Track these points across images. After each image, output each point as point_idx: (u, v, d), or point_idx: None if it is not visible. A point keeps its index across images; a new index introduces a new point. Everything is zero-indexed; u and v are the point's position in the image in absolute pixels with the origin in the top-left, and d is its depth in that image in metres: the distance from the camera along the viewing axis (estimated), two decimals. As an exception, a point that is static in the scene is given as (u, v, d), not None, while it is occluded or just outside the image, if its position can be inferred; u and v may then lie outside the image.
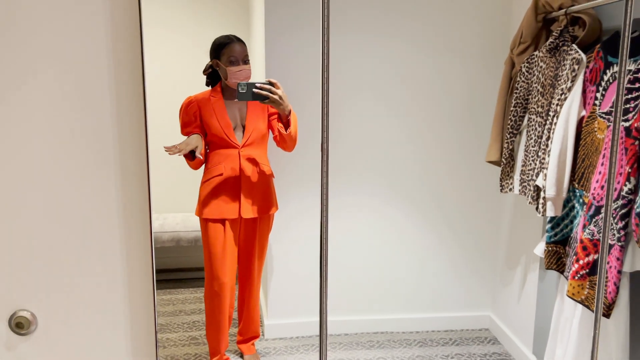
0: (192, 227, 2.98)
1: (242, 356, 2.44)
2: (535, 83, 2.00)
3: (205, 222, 2.17)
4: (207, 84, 2.24)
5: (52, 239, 1.01)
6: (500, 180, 2.19)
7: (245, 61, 2.10)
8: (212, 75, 2.23)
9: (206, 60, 2.24)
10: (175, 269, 3.16)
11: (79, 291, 1.04)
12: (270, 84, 1.96)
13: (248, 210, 2.17)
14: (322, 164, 1.01)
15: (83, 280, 1.04)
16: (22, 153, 0.97)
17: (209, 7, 2.87)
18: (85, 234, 1.02)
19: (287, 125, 2.06)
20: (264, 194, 2.21)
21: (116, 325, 1.07)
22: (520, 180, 2.06)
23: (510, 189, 2.18)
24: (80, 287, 1.04)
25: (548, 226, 1.88)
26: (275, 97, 1.95)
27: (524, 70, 2.05)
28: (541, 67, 1.97)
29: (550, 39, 1.91)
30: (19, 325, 1.01)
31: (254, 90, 1.93)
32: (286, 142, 2.10)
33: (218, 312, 2.23)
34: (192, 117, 2.14)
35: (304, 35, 2.44)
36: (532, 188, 1.92)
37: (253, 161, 2.17)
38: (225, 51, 2.08)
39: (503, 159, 2.17)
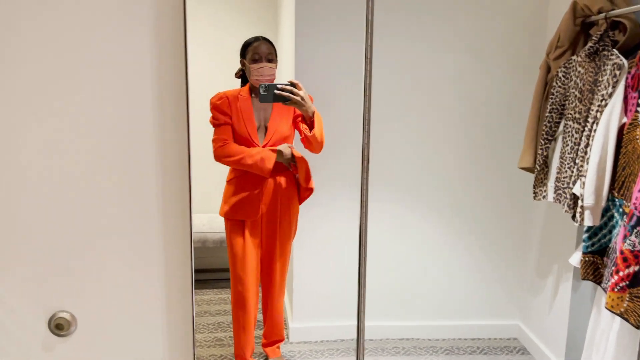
0: (217, 228, 2.98)
1: (267, 359, 2.44)
2: (572, 88, 1.95)
3: (227, 222, 2.18)
4: (242, 86, 2.24)
5: (92, 241, 1.01)
6: (534, 187, 2.14)
7: (269, 60, 2.09)
8: (244, 77, 2.23)
9: (232, 60, 2.26)
10: (201, 270, 3.17)
11: (118, 292, 1.04)
12: (292, 85, 1.95)
13: (269, 211, 2.17)
14: (363, 170, 0.99)
15: (121, 281, 1.04)
16: (65, 157, 0.98)
17: (235, 7, 2.88)
18: (125, 236, 1.02)
19: (311, 126, 2.04)
20: (286, 195, 2.20)
21: (154, 325, 1.06)
22: (555, 188, 2.01)
23: (544, 197, 2.13)
24: (118, 289, 1.04)
25: (585, 236, 1.83)
26: (297, 98, 1.94)
27: (560, 75, 2.01)
28: (579, 72, 1.92)
29: (590, 44, 1.87)
30: (59, 327, 1.01)
31: (276, 91, 1.92)
32: (311, 144, 2.08)
33: (242, 313, 2.23)
34: (226, 109, 2.12)
35: (333, 36, 2.42)
36: (568, 196, 1.87)
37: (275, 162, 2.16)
38: (250, 49, 2.09)
39: (537, 166, 2.13)
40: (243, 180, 2.15)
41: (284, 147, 2.14)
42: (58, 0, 0.93)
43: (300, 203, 2.28)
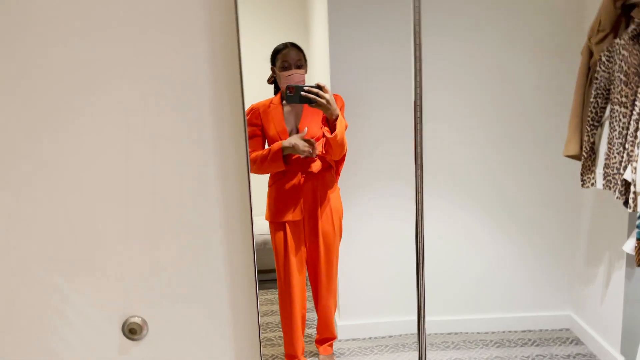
0: (260, 231, 3.03)
1: (318, 356, 2.47)
2: (617, 72, 1.91)
3: (271, 224, 2.23)
4: (275, 93, 2.28)
5: (160, 250, 1.06)
6: (581, 174, 2.11)
7: (298, 66, 2.12)
8: (276, 83, 2.27)
9: (262, 68, 2.31)
10: (246, 272, 3.22)
11: (186, 297, 1.08)
12: (319, 87, 1.97)
13: (309, 211, 2.21)
14: (416, 167, 1.01)
15: (189, 286, 1.08)
16: (134, 168, 1.03)
17: (264, 14, 2.91)
18: (190, 243, 1.07)
19: (333, 129, 2.06)
20: (324, 194, 2.23)
21: (220, 327, 1.10)
22: (604, 174, 1.97)
23: (593, 184, 2.09)
24: (186, 293, 1.08)
25: (639, 222, 1.79)
26: (323, 100, 1.97)
27: (604, 59, 1.97)
28: (623, 55, 1.88)
29: (632, 26, 1.83)
30: (132, 331, 1.06)
31: (302, 93, 1.96)
32: (331, 147, 2.09)
33: (289, 314, 2.27)
34: (256, 121, 2.19)
35: (368, 36, 2.43)
36: (619, 182, 1.84)
37: (313, 162, 2.19)
38: (279, 57, 2.13)
39: (583, 153, 2.09)
40: (281, 184, 2.20)
41: (293, 139, 2.12)
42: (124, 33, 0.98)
43: (338, 175, 2.31)
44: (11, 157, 0.99)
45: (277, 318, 2.77)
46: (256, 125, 2.19)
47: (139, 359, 1.09)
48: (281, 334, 2.61)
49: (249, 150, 2.15)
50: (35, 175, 1.00)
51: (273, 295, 3.04)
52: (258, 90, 2.39)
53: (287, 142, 2.12)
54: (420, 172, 0.98)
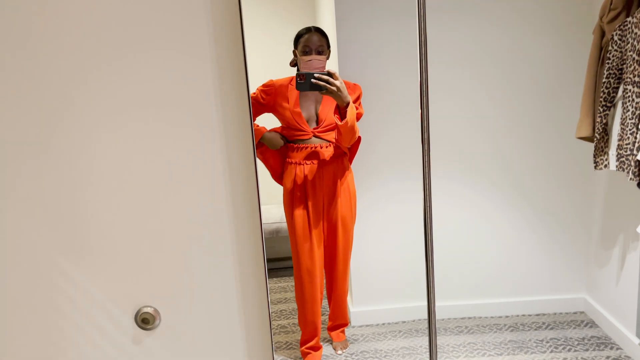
0: (272, 219, 3.05)
1: (331, 343, 2.49)
2: (630, 51, 1.88)
3: (288, 209, 2.23)
4: None
5: (172, 241, 1.07)
6: (594, 156, 2.08)
7: (320, 52, 2.10)
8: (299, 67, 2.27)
9: (277, 52, 2.30)
10: (259, 260, 3.24)
11: (197, 287, 1.09)
12: (329, 74, 1.96)
13: (325, 197, 2.22)
14: (423, 150, 1.00)
15: (200, 276, 1.09)
16: (144, 160, 1.03)
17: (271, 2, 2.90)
18: (200, 234, 1.07)
19: (344, 116, 2.06)
20: (340, 181, 2.24)
21: (231, 316, 1.12)
22: (617, 156, 1.94)
23: (606, 166, 2.06)
24: (197, 283, 1.09)
25: (653, 203, 1.77)
26: (333, 88, 1.97)
27: (616, 38, 1.93)
28: (636, 33, 1.84)
29: (646, 3, 1.78)
30: (145, 321, 1.08)
31: (312, 80, 1.95)
32: (341, 134, 2.09)
33: (308, 296, 2.28)
34: (269, 94, 2.21)
35: (375, 19, 2.41)
36: (632, 163, 1.81)
37: (327, 148, 2.19)
38: (302, 41, 2.12)
39: (596, 134, 2.06)
40: (292, 172, 2.20)
41: (273, 135, 2.22)
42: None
43: (351, 161, 2.34)
44: (20, 147, 1.00)
45: (291, 305, 2.79)
46: (265, 95, 2.20)
47: (151, 349, 1.10)
48: (295, 321, 2.63)
49: None
50: (47, 168, 1.01)
51: (286, 282, 3.07)
52: (264, 75, 2.39)
53: (268, 135, 2.21)
54: (427, 157, 0.98)
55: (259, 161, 2.41)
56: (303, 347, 2.36)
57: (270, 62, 2.38)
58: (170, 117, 1.02)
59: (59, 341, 1.08)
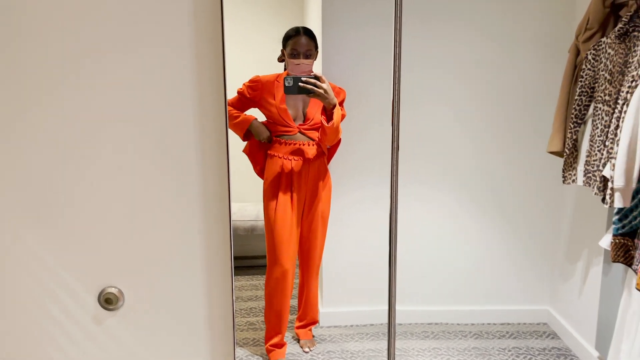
0: (248, 217, 3.06)
1: (298, 341, 2.50)
2: (602, 70, 1.94)
3: (268, 200, 2.24)
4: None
5: (139, 224, 1.08)
6: (563, 171, 2.14)
7: (307, 55, 2.14)
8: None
9: (263, 51, 2.32)
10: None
11: (162, 272, 1.10)
12: (316, 77, 2.01)
13: (308, 192, 2.25)
14: (392, 159, 1.03)
15: (165, 260, 1.10)
16: (113, 144, 1.04)
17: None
18: (168, 218, 1.09)
19: (330, 118, 2.10)
20: (320, 179, 2.27)
21: (195, 302, 1.13)
22: (584, 171, 2.00)
23: (573, 180, 2.12)
24: (163, 268, 1.10)
25: (615, 218, 1.83)
26: (320, 90, 2.02)
27: (590, 57, 1.99)
28: (609, 54, 1.90)
29: (620, 25, 1.85)
30: (108, 301, 1.08)
31: (300, 84, 2.00)
32: (326, 135, 2.16)
33: (277, 293, 2.28)
34: (252, 87, 2.23)
35: (360, 23, 2.45)
36: (598, 179, 1.87)
37: (311, 146, 2.22)
38: (290, 43, 2.14)
39: (566, 150, 2.12)
40: (274, 168, 2.22)
41: (260, 126, 2.25)
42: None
43: (328, 161, 2.38)
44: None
45: (261, 303, 2.80)
46: (252, 91, 2.22)
47: (113, 329, 1.11)
48: (264, 318, 2.64)
49: (229, 101, 2.21)
50: (14, 145, 1.02)
51: (258, 281, 3.07)
52: (245, 71, 2.40)
53: (256, 123, 2.24)
54: (395, 158, 1.01)
55: (240, 153, 2.42)
56: (268, 344, 2.37)
57: (261, 57, 2.42)
58: (144, 103, 1.03)
59: (18, 315, 1.08)
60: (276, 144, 2.23)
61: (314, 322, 2.51)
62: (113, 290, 1.09)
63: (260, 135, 2.24)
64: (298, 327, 2.50)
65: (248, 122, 2.24)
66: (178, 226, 1.09)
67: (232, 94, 2.38)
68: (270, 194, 2.24)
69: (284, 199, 2.22)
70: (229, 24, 2.83)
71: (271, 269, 2.27)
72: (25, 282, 1.06)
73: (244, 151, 2.33)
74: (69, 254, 1.07)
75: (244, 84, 2.26)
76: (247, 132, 2.27)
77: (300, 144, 2.21)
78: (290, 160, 2.21)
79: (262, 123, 2.27)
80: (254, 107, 2.27)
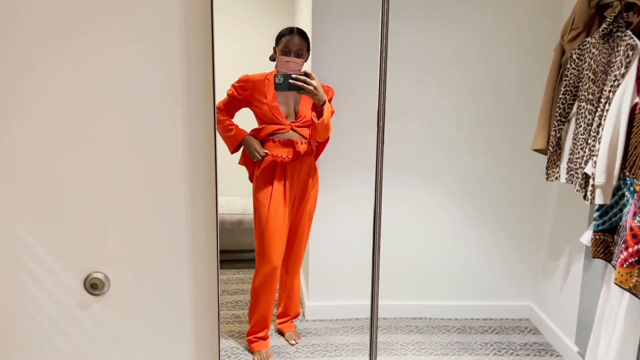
0: (235, 211, 3.06)
1: (282, 334, 2.51)
2: (586, 70, 1.98)
3: (258, 202, 2.25)
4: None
5: (126, 211, 1.08)
6: (547, 168, 2.17)
7: (298, 54, 2.16)
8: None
9: (255, 50, 2.33)
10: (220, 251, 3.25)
11: (149, 259, 1.11)
12: (306, 74, 2.03)
13: (299, 189, 2.27)
14: (377, 155, 1.04)
15: (153, 249, 1.11)
16: (100, 138, 1.05)
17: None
18: (155, 210, 1.09)
19: (320, 115, 2.12)
20: (311, 174, 2.30)
21: (181, 288, 1.13)
22: (567, 169, 2.04)
23: (557, 178, 2.16)
24: (150, 256, 1.11)
25: (596, 214, 1.86)
26: (310, 87, 2.04)
27: (574, 57, 2.03)
28: (593, 53, 1.94)
29: (604, 25, 1.89)
30: (94, 286, 1.09)
31: (290, 81, 2.02)
32: (316, 131, 2.18)
33: (267, 293, 2.29)
34: (243, 87, 2.23)
35: (350, 22, 2.46)
36: (580, 176, 1.91)
37: (302, 144, 2.23)
38: (283, 41, 2.16)
39: (550, 147, 2.16)
40: (270, 159, 2.23)
41: (254, 142, 2.23)
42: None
43: (316, 158, 2.39)
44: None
45: (247, 297, 2.80)
46: (242, 91, 2.21)
47: (98, 314, 1.11)
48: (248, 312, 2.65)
49: (219, 105, 2.21)
50: (3, 133, 1.02)
51: (245, 275, 3.08)
52: (234, 68, 2.41)
53: (249, 139, 2.22)
54: (380, 155, 1.02)
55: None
56: (251, 337, 2.37)
57: (250, 54, 2.42)
58: (132, 97, 1.04)
59: (1, 300, 1.08)
60: (269, 142, 2.23)
61: (297, 314, 2.53)
62: (99, 275, 1.09)
63: (251, 154, 2.23)
64: (283, 320, 2.52)
65: (241, 136, 2.24)
66: (165, 218, 1.10)
67: (220, 91, 2.38)
68: (262, 192, 2.25)
69: (277, 197, 2.23)
70: (218, 19, 2.84)
71: (260, 266, 2.29)
72: (9, 267, 1.06)
73: (239, 163, 2.33)
74: (55, 239, 1.07)
75: (232, 85, 2.25)
76: (239, 146, 2.26)
77: (294, 142, 2.22)
78: (284, 158, 2.22)
79: (254, 135, 2.25)
80: (245, 107, 2.26)
